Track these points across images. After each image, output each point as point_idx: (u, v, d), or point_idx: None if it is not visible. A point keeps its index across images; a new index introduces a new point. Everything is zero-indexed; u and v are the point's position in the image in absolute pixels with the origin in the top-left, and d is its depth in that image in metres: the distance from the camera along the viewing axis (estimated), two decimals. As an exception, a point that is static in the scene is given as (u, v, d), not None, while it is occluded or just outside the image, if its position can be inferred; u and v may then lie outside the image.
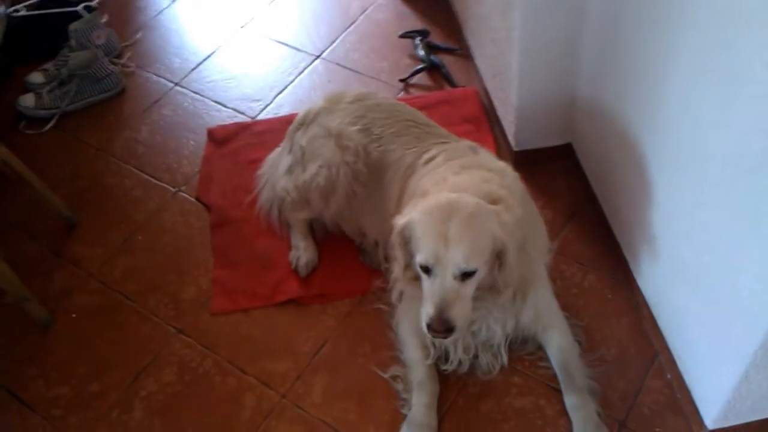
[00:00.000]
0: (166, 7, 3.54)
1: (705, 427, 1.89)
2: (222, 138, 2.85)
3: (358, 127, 2.22)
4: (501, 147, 2.67)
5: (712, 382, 1.83)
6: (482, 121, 2.78)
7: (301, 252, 2.38)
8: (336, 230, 2.43)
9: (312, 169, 2.28)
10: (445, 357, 2.06)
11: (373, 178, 2.20)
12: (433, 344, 2.02)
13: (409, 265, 1.85)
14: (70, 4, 3.13)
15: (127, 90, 3.12)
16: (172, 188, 2.72)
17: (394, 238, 1.83)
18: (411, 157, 2.11)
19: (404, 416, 2.00)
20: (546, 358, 2.08)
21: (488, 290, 1.85)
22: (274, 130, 2.75)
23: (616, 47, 2.07)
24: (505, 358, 2.06)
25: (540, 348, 2.10)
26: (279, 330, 2.26)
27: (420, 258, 1.74)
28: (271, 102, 3.01)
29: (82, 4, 3.11)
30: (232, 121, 2.93)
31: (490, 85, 2.76)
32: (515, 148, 2.57)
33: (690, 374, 1.95)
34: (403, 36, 3.16)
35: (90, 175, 2.79)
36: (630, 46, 2.00)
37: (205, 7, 3.53)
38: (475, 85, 2.94)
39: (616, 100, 2.15)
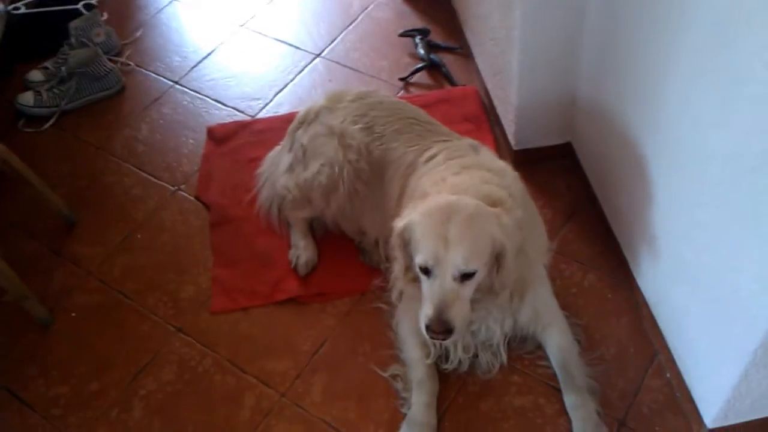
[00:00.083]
0: (166, 5, 3.53)
1: (704, 426, 1.89)
2: (222, 136, 2.85)
3: (360, 125, 2.22)
4: (501, 146, 2.67)
5: (712, 381, 1.83)
6: (482, 120, 2.78)
7: (301, 251, 2.38)
8: (336, 229, 2.43)
9: (314, 167, 2.28)
10: (444, 356, 2.06)
11: (374, 177, 2.20)
12: (433, 344, 2.02)
13: (409, 267, 1.85)
14: (70, 2, 3.12)
15: (126, 88, 3.12)
16: (171, 187, 2.72)
17: (394, 240, 1.83)
18: (412, 156, 2.11)
19: (404, 415, 2.00)
20: (545, 357, 2.08)
21: (486, 291, 1.85)
22: (274, 129, 2.75)
23: (616, 47, 2.07)
24: (505, 357, 2.06)
25: (539, 347, 2.10)
26: (278, 329, 2.26)
27: (420, 259, 1.74)
28: (271, 100, 3.01)
29: (82, 2, 3.11)
30: (231, 120, 2.93)
31: (490, 84, 2.76)
32: (515, 147, 2.57)
33: (689, 373, 1.95)
34: (404, 35, 3.16)
35: (89, 173, 2.79)
36: (630, 45, 2.00)
37: (204, 5, 3.53)
38: (475, 84, 2.94)
39: (616, 99, 2.15)
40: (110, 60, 3.11)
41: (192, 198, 2.67)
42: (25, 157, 2.46)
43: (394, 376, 2.08)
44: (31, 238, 2.58)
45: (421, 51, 3.04)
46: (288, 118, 2.56)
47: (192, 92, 3.08)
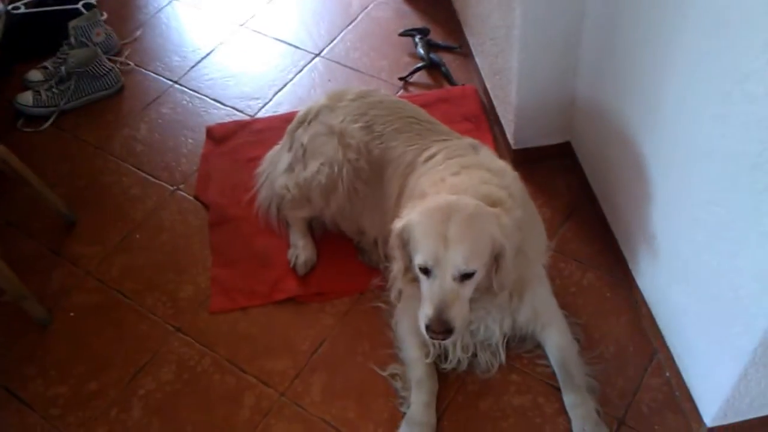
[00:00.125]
0: (166, 5, 3.53)
1: (704, 424, 1.89)
2: (221, 136, 2.85)
3: (360, 124, 2.22)
4: (500, 145, 2.67)
5: (711, 380, 1.83)
6: (481, 120, 2.78)
7: (300, 250, 2.38)
8: (335, 229, 2.43)
9: (313, 166, 2.28)
10: (444, 355, 2.06)
11: (374, 176, 2.20)
12: (433, 343, 2.01)
13: (408, 267, 1.85)
14: (69, 2, 3.12)
15: (125, 88, 3.12)
16: (170, 186, 2.71)
17: (393, 240, 1.83)
18: (411, 155, 2.10)
19: (403, 414, 2.00)
20: (545, 356, 2.08)
21: (486, 291, 1.84)
22: (273, 128, 2.75)
23: (615, 47, 2.07)
24: (504, 357, 2.06)
25: (539, 346, 2.10)
26: (278, 328, 2.26)
27: (419, 259, 1.74)
28: (270, 100, 3.01)
29: (82, 2, 3.11)
30: (230, 119, 2.93)
31: (490, 83, 2.76)
32: (514, 147, 2.57)
33: (689, 372, 1.95)
34: (403, 34, 3.16)
35: (88, 173, 2.79)
36: (628, 45, 2.00)
37: (204, 5, 3.53)
38: (474, 83, 2.94)
39: (615, 99, 2.15)
40: (109, 60, 3.11)
41: (191, 198, 2.67)
42: (24, 156, 2.46)
43: (394, 376, 2.08)
44: (30, 238, 2.58)
45: (421, 50, 3.04)
46: (287, 118, 2.56)
47: (191, 92, 3.07)
